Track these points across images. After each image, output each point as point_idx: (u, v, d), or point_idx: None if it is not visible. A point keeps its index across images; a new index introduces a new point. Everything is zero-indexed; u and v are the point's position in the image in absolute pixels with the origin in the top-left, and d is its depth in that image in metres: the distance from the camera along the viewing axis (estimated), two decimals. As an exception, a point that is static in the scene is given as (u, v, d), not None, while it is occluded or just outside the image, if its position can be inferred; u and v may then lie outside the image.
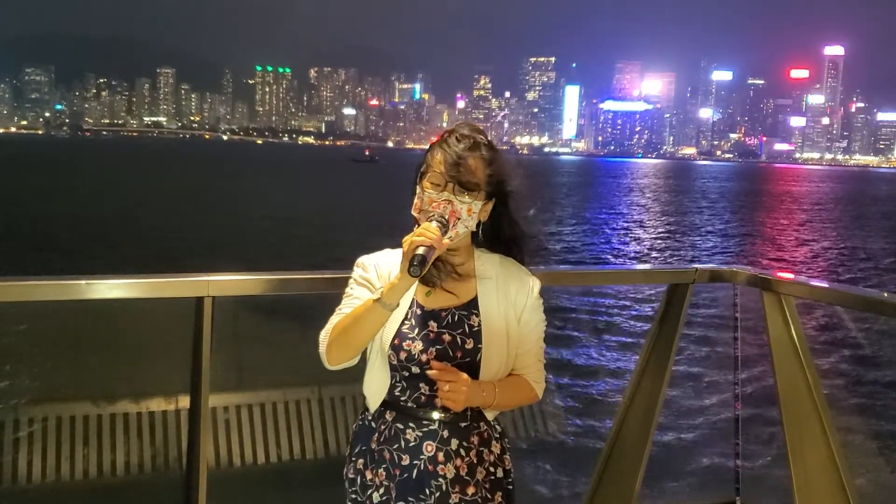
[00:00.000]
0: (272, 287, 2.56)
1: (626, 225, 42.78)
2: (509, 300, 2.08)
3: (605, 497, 3.31)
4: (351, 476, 2.10)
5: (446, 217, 1.97)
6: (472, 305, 2.06)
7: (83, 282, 2.32)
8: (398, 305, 1.95)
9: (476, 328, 2.03)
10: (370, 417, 2.09)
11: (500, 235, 2.12)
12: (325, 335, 2.04)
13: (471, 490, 2.02)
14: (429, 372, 1.96)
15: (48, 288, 2.32)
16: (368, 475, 2.05)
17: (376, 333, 2.01)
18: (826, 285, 3.14)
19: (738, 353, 3.47)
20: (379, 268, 2.09)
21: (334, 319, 2.05)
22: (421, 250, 1.86)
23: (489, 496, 2.04)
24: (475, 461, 2.04)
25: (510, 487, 2.11)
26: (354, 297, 2.06)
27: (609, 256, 30.66)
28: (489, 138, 2.08)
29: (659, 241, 35.76)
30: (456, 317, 2.04)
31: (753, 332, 3.34)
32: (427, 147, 2.10)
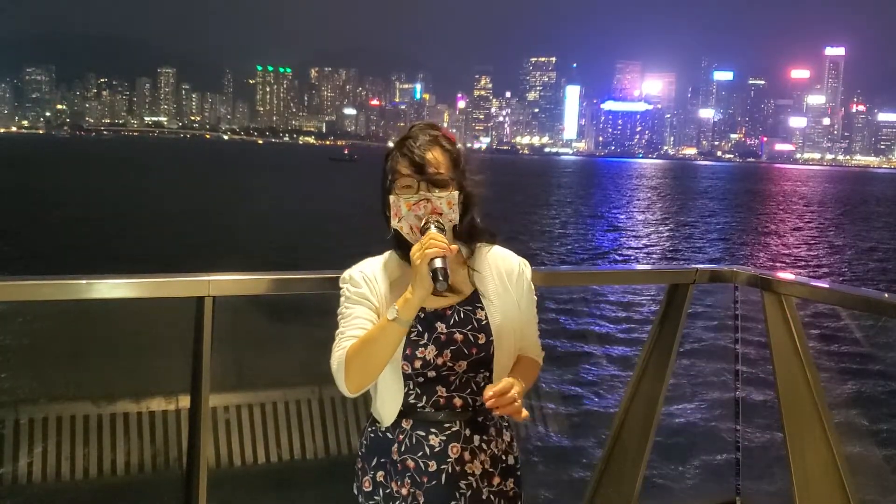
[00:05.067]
0: (272, 287, 2.56)
1: (626, 225, 42.77)
2: (507, 287, 2.09)
3: (605, 497, 3.31)
4: (367, 489, 2.07)
5: (440, 220, 1.96)
6: (474, 299, 2.05)
7: (83, 282, 2.31)
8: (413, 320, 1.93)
9: (484, 322, 2.03)
10: (384, 428, 2.06)
11: (472, 224, 2.10)
12: (338, 364, 1.95)
13: (496, 480, 2.05)
14: (489, 404, 1.88)
15: (48, 288, 2.32)
16: (393, 486, 2.02)
17: (395, 352, 1.96)
18: (826, 285, 3.13)
19: (738, 353, 3.47)
20: (370, 280, 2.04)
21: (343, 345, 1.96)
22: (439, 262, 1.84)
23: (504, 483, 2.08)
24: (496, 452, 2.07)
25: (519, 473, 2.14)
26: (356, 317, 2.00)
27: (609, 256, 30.66)
28: (446, 131, 2.07)
29: (659, 242, 35.76)
30: (462, 313, 2.03)
31: (754, 333, 3.34)
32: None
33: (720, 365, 3.80)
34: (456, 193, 2.00)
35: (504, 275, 2.10)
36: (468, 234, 2.10)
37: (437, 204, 1.97)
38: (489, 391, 1.87)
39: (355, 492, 2.11)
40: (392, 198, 1.99)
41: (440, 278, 1.82)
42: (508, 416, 2.11)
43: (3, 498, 2.72)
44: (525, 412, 1.93)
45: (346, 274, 2.07)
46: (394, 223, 2.00)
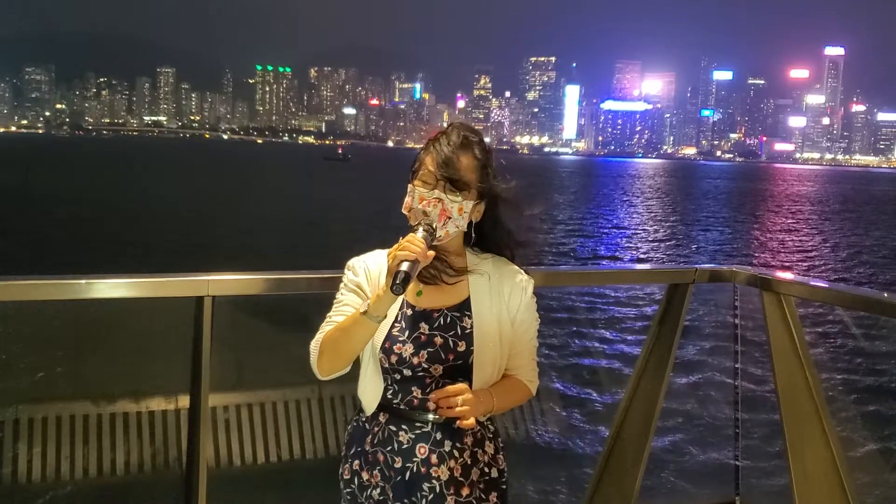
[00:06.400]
0: (272, 287, 2.56)
1: (626, 225, 42.76)
2: (503, 301, 2.06)
3: (605, 497, 3.31)
4: (346, 477, 2.09)
5: (433, 223, 1.96)
6: (464, 306, 2.03)
7: (83, 281, 2.32)
8: (386, 316, 1.94)
9: (468, 330, 2.01)
10: (364, 419, 2.08)
11: (491, 236, 2.10)
12: (315, 346, 2.01)
13: (465, 491, 2.01)
14: (432, 405, 1.96)
15: (48, 287, 2.32)
16: (365, 476, 2.04)
17: (366, 344, 1.99)
18: (826, 285, 3.14)
19: (737, 353, 3.47)
20: (369, 271, 2.06)
21: (324, 328, 2.02)
22: (405, 266, 1.83)
23: (483, 496, 2.03)
24: (469, 462, 2.02)
25: (504, 487, 2.10)
26: (344, 304, 2.04)
27: (609, 256, 30.65)
28: (483, 138, 2.06)
29: (659, 241, 35.76)
30: (448, 318, 2.02)
31: (753, 332, 3.34)
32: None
33: (719, 365, 3.80)
34: (471, 203, 2.00)
35: (504, 288, 2.08)
36: (482, 244, 2.11)
37: (448, 207, 1.97)
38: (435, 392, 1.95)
39: (339, 479, 2.13)
40: (410, 186, 2.01)
41: (397, 282, 1.81)
42: (494, 426, 2.13)
43: (3, 498, 2.72)
44: (471, 420, 1.94)
45: (351, 262, 2.11)
46: (403, 209, 2.02)
